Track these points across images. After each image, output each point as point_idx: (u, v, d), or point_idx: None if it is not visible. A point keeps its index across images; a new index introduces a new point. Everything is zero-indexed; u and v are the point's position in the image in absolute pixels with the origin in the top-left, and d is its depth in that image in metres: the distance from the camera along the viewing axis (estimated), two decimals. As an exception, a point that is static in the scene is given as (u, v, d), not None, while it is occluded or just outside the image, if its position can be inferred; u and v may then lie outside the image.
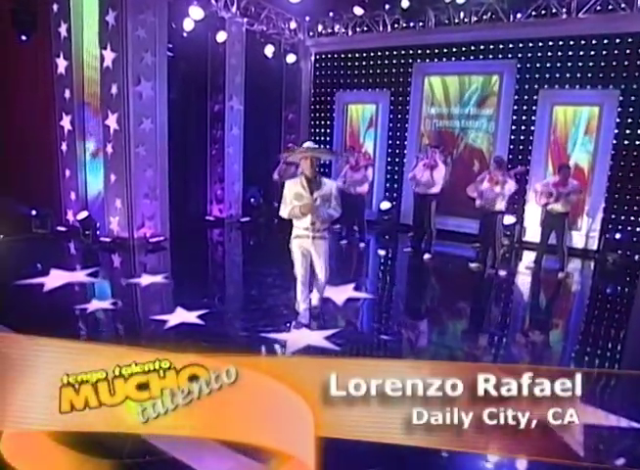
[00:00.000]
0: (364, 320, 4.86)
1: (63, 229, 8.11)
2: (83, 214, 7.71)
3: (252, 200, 10.52)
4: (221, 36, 8.68)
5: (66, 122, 7.93)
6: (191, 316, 4.76)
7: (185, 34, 8.20)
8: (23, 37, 7.40)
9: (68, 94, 7.75)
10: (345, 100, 10.46)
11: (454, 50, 9.10)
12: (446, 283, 6.63)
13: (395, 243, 8.73)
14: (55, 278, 5.75)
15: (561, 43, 8.10)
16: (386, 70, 9.90)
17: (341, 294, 5.53)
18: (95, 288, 5.54)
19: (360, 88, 10.26)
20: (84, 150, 8.04)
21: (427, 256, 7.38)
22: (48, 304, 4.98)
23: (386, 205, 9.86)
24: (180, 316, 4.76)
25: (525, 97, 8.50)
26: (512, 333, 4.82)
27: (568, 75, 8.09)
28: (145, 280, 5.91)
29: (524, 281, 6.96)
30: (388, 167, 10.14)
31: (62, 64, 7.70)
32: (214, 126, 9.60)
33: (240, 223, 9.96)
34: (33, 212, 7.77)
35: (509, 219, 8.44)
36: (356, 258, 7.85)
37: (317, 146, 4.01)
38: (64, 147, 8.10)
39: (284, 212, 4.24)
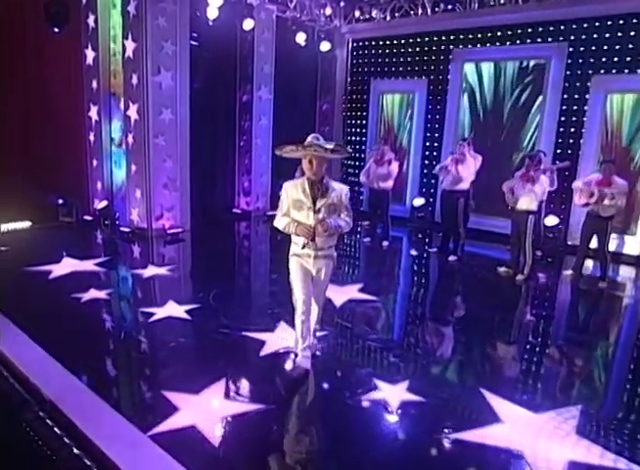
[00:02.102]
0: (355, 324, 4.67)
1: (89, 218, 8.51)
2: (102, 204, 8.05)
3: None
4: (248, 24, 8.70)
5: (93, 113, 8.29)
6: (180, 311, 4.80)
7: (210, 23, 8.28)
8: (56, 29, 7.79)
9: (95, 85, 8.09)
10: (381, 89, 10.19)
11: (499, 34, 8.57)
12: (465, 288, 6.26)
13: (424, 243, 8.39)
14: (64, 266, 6.03)
15: (620, 22, 7.37)
16: (424, 58, 9.53)
17: (342, 294, 5.41)
18: (97, 277, 5.74)
19: (397, 76, 9.95)
20: (110, 140, 8.37)
21: (452, 257, 7.03)
22: (46, 290, 5.22)
23: (419, 201, 9.52)
24: (169, 310, 4.81)
25: (577, 84, 7.83)
26: (526, 359, 4.37)
27: (627, 59, 7.36)
28: (149, 272, 6.05)
29: (557, 290, 6.43)
30: (425, 161, 9.78)
31: (90, 55, 8.04)
32: (242, 117, 9.67)
33: (267, 217, 9.99)
34: (60, 201, 8.19)
35: (552, 220, 7.89)
36: (372, 258, 7.63)
37: (320, 141, 3.18)
38: (91, 137, 8.48)
39: (278, 224, 3.41)
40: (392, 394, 3.37)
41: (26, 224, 7.84)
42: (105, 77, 8.01)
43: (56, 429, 2.84)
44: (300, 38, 9.71)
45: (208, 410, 3.15)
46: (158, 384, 3.47)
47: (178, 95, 7.71)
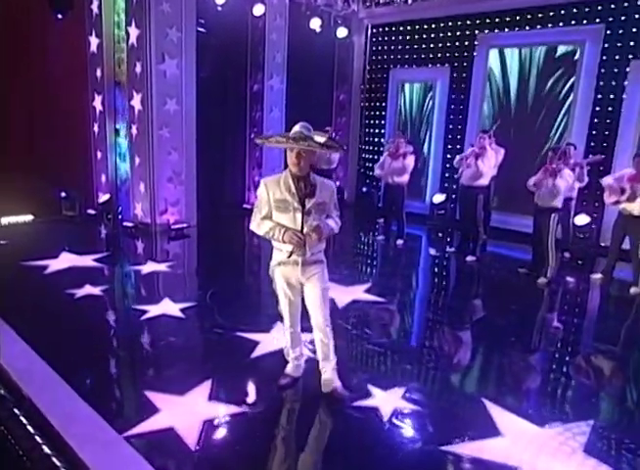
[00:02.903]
0: (356, 326, 4.64)
1: (92, 212, 8.69)
2: (105, 197, 8.21)
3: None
4: (259, 9, 8.74)
5: (97, 103, 8.46)
6: (174, 309, 4.86)
7: (219, 8, 8.35)
8: (59, 15, 7.98)
9: (99, 73, 8.25)
10: (401, 78, 10.12)
11: (528, 17, 8.39)
12: (480, 291, 6.18)
13: (443, 241, 8.29)
14: (61, 261, 6.18)
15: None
16: (447, 44, 9.41)
17: (347, 295, 5.40)
18: (95, 273, 5.85)
19: (418, 64, 9.86)
20: (115, 131, 8.53)
21: (470, 258, 6.93)
22: (39, 285, 5.36)
23: (439, 198, 9.42)
24: (163, 308, 4.88)
25: (614, 70, 7.60)
26: (538, 369, 4.22)
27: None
28: (148, 268, 6.15)
29: (583, 295, 6.25)
30: (447, 155, 9.65)
31: (94, 42, 8.21)
32: (253, 108, 9.74)
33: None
34: (63, 194, 8.39)
35: (583, 219, 7.70)
36: (384, 257, 7.59)
37: (311, 132, 2.91)
38: (95, 128, 8.66)
39: (256, 227, 3.08)
40: (386, 401, 3.34)
41: (28, 218, 8.07)
42: (109, 66, 8.15)
43: (29, 427, 2.90)
44: (315, 24, 9.70)
45: (190, 413, 3.17)
46: (141, 383, 3.53)
47: (184, 84, 7.81)
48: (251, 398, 3.34)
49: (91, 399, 3.23)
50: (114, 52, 8.13)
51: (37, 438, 2.81)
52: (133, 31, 7.46)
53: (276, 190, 3.00)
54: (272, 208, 3.04)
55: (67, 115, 8.37)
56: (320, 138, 2.90)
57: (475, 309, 5.46)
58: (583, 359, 4.41)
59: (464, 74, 9.27)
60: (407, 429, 3.09)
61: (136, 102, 7.71)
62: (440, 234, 8.87)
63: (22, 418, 2.98)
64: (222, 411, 3.20)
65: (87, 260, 6.28)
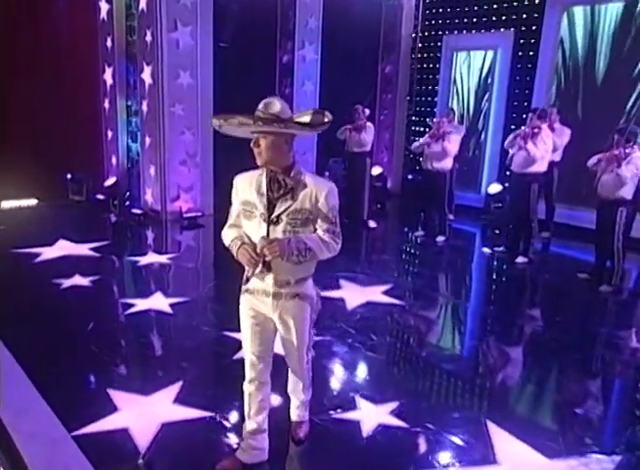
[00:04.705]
0: (361, 330, 4.65)
1: (101, 197, 9.14)
2: (111, 181, 8.62)
3: (327, 174, 10.63)
4: (288, -32, 8.86)
5: (108, 76, 8.90)
6: (164, 304, 5.08)
7: (242, -33, 8.54)
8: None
9: (109, 43, 8.67)
10: (455, 45, 9.95)
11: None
12: (525, 299, 6.03)
13: (496, 239, 8.09)
14: (56, 249, 6.58)
15: None
16: (513, 3, 9.16)
17: (361, 295, 5.46)
18: (87, 263, 6.18)
19: (477, 29, 9.66)
20: (126, 108, 8.94)
21: (520, 259, 6.76)
22: (26, 274, 5.74)
23: (495, 188, 9.20)
24: (152, 302, 5.11)
25: None
26: (566, 392, 4.08)
27: None
28: (146, 259, 6.44)
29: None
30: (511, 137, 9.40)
31: (104, 8, 8.63)
32: (282, 82, 9.87)
33: (308, 202, 10.14)
34: (69, 176, 8.88)
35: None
36: (418, 256, 7.54)
37: (275, 108, 2.44)
38: (106, 104, 9.11)
39: (223, 237, 2.71)
40: (371, 415, 3.36)
41: (32, 202, 8.62)
42: (120, 34, 8.54)
43: (-25, 418, 3.16)
44: (356, -17, 9.73)
45: (149, 414, 3.33)
46: (106, 380, 3.72)
47: (199, 55, 8.05)
48: (219, 403, 3.45)
49: (49, 394, 3.46)
50: (125, 19, 8.52)
51: (-20, 430, 3.06)
52: (144, -5, 7.79)
53: (246, 189, 2.59)
54: (240, 209, 2.63)
55: (75, 89, 8.86)
56: (305, 117, 2.48)
57: (509, 319, 5.31)
58: (630, 384, 4.23)
59: (533, 40, 9.01)
60: (386, 448, 3.10)
61: (146, 75, 8.04)
62: (497, 231, 8.65)
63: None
64: (184, 415, 3.33)
65: (83, 249, 6.65)
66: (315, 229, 2.55)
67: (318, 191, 2.53)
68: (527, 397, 4.03)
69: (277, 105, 2.45)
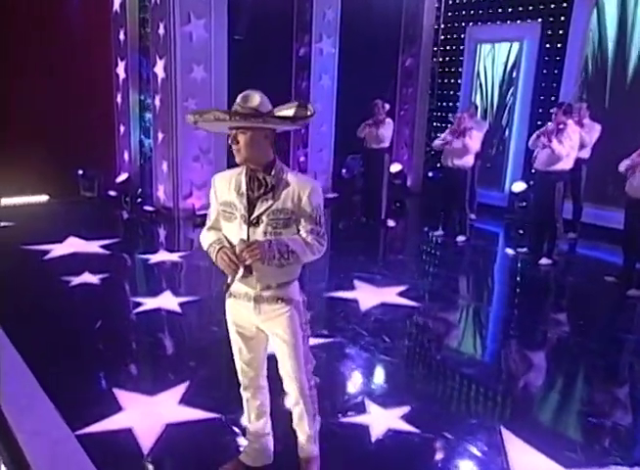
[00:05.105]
0: (374, 333, 4.66)
1: (113, 194, 9.28)
2: (123, 177, 8.73)
3: (345, 171, 10.67)
4: (305, -42, 8.89)
5: (120, 69, 9.02)
6: (173, 303, 5.15)
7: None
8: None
9: (122, 36, 8.80)
10: (478, 37, 9.91)
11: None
12: (547, 303, 5.97)
13: (520, 239, 8.03)
14: (66, 246, 6.70)
15: None
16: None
17: (375, 296, 5.48)
18: (97, 260, 6.28)
19: (502, 20, 9.60)
20: (139, 102, 9.05)
21: (544, 261, 6.70)
22: (34, 271, 5.86)
23: (520, 186, 9.14)
24: (161, 301, 5.19)
25: None
26: (589, 402, 4.02)
27: None
28: (157, 257, 6.53)
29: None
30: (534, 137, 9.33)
31: (117, 0, 8.75)
32: (298, 75, 9.91)
33: (325, 200, 10.15)
34: (80, 172, 9.02)
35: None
36: (436, 256, 7.54)
37: (255, 102, 2.34)
38: (118, 99, 9.24)
39: (202, 240, 2.61)
40: (380, 420, 3.38)
41: (43, 198, 8.78)
42: (133, 27, 8.66)
43: (-21, 415, 3.25)
44: (376, -27, 9.73)
45: (154, 414, 3.39)
46: (112, 380, 3.79)
47: (213, 48, 8.13)
48: (225, 404, 3.48)
49: (54, 392, 3.53)
50: (138, 11, 8.63)
51: (-17, 427, 3.14)
52: (157, -13, 7.88)
53: (224, 189, 2.52)
54: (220, 214, 2.55)
55: (87, 83, 8.99)
56: (288, 111, 2.40)
57: (528, 324, 5.23)
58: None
59: (560, 31, 8.92)
60: (395, 454, 3.11)
61: (159, 69, 8.13)
62: (521, 231, 8.58)
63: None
64: (189, 416, 3.38)
65: (93, 246, 6.76)
66: (299, 230, 2.46)
67: (301, 189, 2.44)
68: (547, 404, 4.00)
69: (256, 98, 2.36)
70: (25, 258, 6.22)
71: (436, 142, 7.69)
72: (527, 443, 3.23)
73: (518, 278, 6.90)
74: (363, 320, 4.91)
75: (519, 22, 9.41)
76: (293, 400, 2.73)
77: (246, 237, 2.42)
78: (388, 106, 8.33)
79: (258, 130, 2.39)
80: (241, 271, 2.42)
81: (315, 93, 9.85)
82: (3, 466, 2.87)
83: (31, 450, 2.98)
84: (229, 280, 2.46)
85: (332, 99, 10.10)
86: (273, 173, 2.46)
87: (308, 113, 2.40)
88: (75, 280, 5.59)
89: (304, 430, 2.78)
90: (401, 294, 5.57)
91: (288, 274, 2.54)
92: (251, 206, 2.44)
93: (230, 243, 2.47)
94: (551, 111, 6.84)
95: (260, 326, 2.60)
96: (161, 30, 7.92)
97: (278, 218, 2.43)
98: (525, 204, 9.14)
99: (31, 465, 2.90)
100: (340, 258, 6.83)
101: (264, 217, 2.42)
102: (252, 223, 2.43)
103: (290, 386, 2.69)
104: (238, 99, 2.39)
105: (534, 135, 6.73)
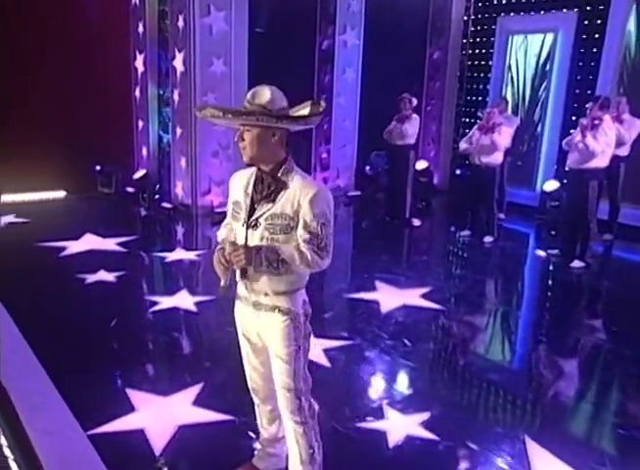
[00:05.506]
0: (395, 336, 4.67)
1: (130, 190, 9.42)
2: (141, 173, 8.85)
3: (369, 168, 10.67)
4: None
5: (139, 63, 9.15)
6: (189, 302, 5.22)
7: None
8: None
9: (141, 28, 8.91)
10: (510, 28, 9.81)
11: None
12: (576, 309, 5.89)
13: (552, 241, 7.95)
14: (82, 243, 6.83)
15: None
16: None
17: (397, 298, 5.48)
18: (113, 258, 6.39)
19: (535, 10, 9.50)
20: (157, 97, 9.16)
21: (576, 263, 6.61)
22: (49, 268, 5.99)
23: (552, 185, 9.03)
24: (177, 300, 5.26)
25: None
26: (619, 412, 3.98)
27: None
28: (174, 255, 6.61)
29: None
30: (570, 130, 9.20)
31: (136, -8, 8.89)
32: (321, 69, 9.93)
33: (348, 198, 10.22)
34: (97, 168, 9.18)
35: None
36: (462, 257, 7.50)
37: (264, 98, 2.29)
38: (137, 93, 9.37)
39: (218, 235, 2.73)
40: (399, 426, 3.38)
41: (60, 194, 8.95)
42: (152, 19, 8.77)
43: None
44: (403, -38, 9.70)
45: (167, 415, 3.45)
46: (125, 379, 3.86)
47: (233, 41, 8.19)
48: (239, 406, 3.52)
49: (67, 391, 3.61)
50: (158, 3, 8.74)
51: (-5, 424, 3.23)
52: (176, -22, 7.98)
53: (237, 187, 2.52)
54: (231, 213, 2.57)
55: (106, 77, 9.12)
56: (303, 110, 2.38)
57: (557, 329, 5.19)
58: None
59: (598, 21, 8.79)
60: (412, 461, 3.11)
61: (178, 62, 8.22)
62: (553, 232, 8.49)
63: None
64: (202, 418, 3.43)
65: (110, 244, 6.88)
66: (297, 237, 2.37)
67: (302, 194, 2.34)
68: (575, 414, 3.95)
69: (266, 94, 2.30)
70: (41, 255, 6.35)
71: (462, 146, 7.62)
72: (554, 454, 3.20)
73: (548, 281, 6.84)
74: (384, 322, 4.93)
75: (553, 11, 9.29)
76: (285, 423, 2.64)
77: (244, 239, 2.42)
78: (415, 101, 8.31)
79: (265, 128, 2.33)
80: (228, 275, 2.41)
81: (338, 87, 9.90)
82: (14, 464, 2.95)
83: (43, 449, 3.06)
84: (222, 282, 2.43)
85: (356, 93, 10.11)
86: (278, 175, 2.40)
87: (320, 109, 2.37)
88: (91, 278, 5.69)
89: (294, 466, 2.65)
90: (424, 296, 5.56)
91: (287, 283, 2.46)
92: (252, 207, 2.43)
93: (235, 243, 2.43)
94: (587, 105, 6.77)
95: (259, 333, 2.57)
96: (181, 23, 8.00)
97: (275, 224, 2.37)
98: (557, 203, 9.04)
99: (43, 464, 2.97)
100: (361, 258, 6.86)
101: (262, 221, 2.39)
102: (251, 226, 2.41)
103: (280, 403, 2.60)
104: (248, 94, 2.34)
105: (569, 137, 6.69)
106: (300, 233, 2.35)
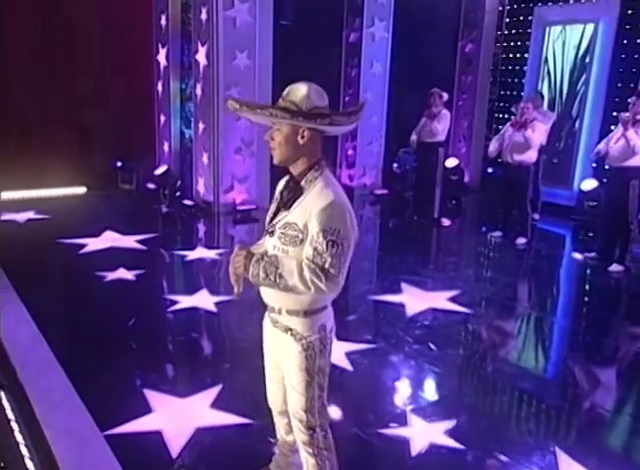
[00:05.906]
0: (420, 340, 4.66)
1: (152, 186, 9.55)
2: (162, 169, 8.97)
3: (396, 166, 10.65)
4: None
5: (162, 57, 9.26)
6: (209, 302, 5.27)
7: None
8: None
9: (164, 21, 9.03)
10: (547, 19, 9.69)
11: None
12: (617, 314, 5.81)
13: (589, 243, 7.85)
14: (102, 240, 6.95)
15: None
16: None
17: (424, 301, 5.47)
18: (133, 256, 6.48)
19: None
20: (180, 91, 9.28)
21: (614, 267, 6.52)
22: (69, 265, 6.12)
23: (590, 184, 8.90)
24: (197, 300, 5.32)
25: None
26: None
27: None
28: (194, 254, 6.68)
29: None
30: (610, 126, 9.07)
31: (160, -16, 9.01)
32: (348, 63, 9.98)
33: (375, 197, 10.22)
34: (118, 164, 9.33)
35: None
36: (493, 259, 7.43)
37: (297, 96, 2.19)
38: (159, 87, 9.49)
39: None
40: (422, 433, 3.37)
41: (81, 190, 9.11)
42: (175, 12, 8.88)
43: (9, 412, 3.42)
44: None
45: (184, 417, 3.49)
46: (143, 380, 3.93)
47: (257, 34, 8.22)
48: (259, 409, 3.55)
49: (84, 391, 3.68)
50: (181, -5, 8.86)
51: (13, 424, 3.31)
52: (200, -31, 8.05)
53: (277, 191, 2.45)
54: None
55: (128, 72, 9.30)
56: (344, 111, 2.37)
57: (593, 337, 5.09)
58: None
59: (640, 13, 8.66)
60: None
61: (201, 56, 8.30)
62: (591, 234, 8.38)
63: (4, 402, 3.51)
64: (220, 420, 3.47)
65: (130, 241, 6.98)
66: (303, 250, 2.22)
67: (314, 205, 2.19)
68: (613, 427, 3.89)
69: (301, 91, 2.20)
70: (61, 252, 6.47)
71: (491, 147, 7.56)
72: (587, 468, 3.17)
73: (585, 286, 6.74)
74: (409, 326, 4.92)
75: (594, 0, 9.18)
76: (299, 448, 2.57)
77: (266, 247, 2.36)
78: (446, 96, 8.26)
79: (294, 128, 2.23)
80: (240, 282, 2.34)
81: (366, 81, 9.91)
82: (30, 462, 3.03)
83: (59, 448, 3.13)
84: (235, 289, 2.38)
85: (384, 88, 10.11)
86: (303, 182, 2.28)
87: (353, 111, 2.34)
88: (110, 276, 5.78)
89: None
90: (452, 299, 5.54)
91: (299, 302, 2.30)
92: (276, 213, 2.35)
93: (242, 247, 2.37)
94: (629, 100, 6.66)
95: (275, 351, 2.49)
96: (204, 15, 8.08)
97: (287, 234, 2.25)
98: (595, 203, 8.91)
99: (59, 463, 3.04)
100: (387, 259, 6.85)
101: (277, 229, 2.29)
102: (269, 232, 2.34)
103: (294, 429, 2.52)
104: (284, 91, 2.26)
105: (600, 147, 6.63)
106: (306, 248, 2.20)
